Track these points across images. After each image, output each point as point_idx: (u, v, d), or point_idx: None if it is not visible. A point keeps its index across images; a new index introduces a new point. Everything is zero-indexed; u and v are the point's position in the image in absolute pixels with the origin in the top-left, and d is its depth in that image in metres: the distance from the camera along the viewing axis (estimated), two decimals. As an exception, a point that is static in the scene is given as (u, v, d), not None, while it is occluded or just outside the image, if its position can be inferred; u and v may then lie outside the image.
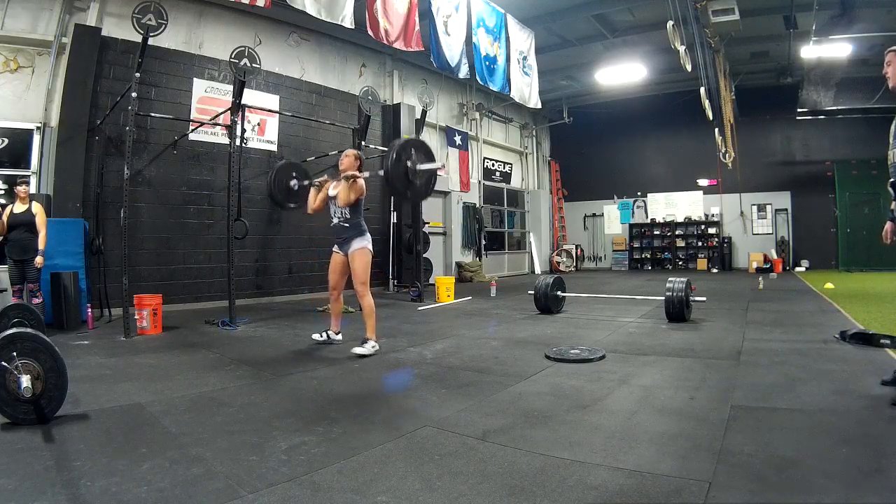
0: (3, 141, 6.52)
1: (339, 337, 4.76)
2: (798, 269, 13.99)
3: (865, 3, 8.90)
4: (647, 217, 16.44)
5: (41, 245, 5.33)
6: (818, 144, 14.36)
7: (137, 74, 5.43)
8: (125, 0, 6.86)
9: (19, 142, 6.58)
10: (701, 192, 15.66)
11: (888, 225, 3.11)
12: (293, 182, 5.16)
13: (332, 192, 4.51)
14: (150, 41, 5.52)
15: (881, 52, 3.11)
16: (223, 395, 3.18)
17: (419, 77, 11.68)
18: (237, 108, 6.15)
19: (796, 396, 2.93)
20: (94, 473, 2.04)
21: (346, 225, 4.39)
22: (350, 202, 4.33)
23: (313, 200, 4.71)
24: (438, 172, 4.28)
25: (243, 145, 7.13)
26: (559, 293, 6.70)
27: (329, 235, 4.64)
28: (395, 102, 10.90)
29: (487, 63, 8.59)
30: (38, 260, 5.31)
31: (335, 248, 4.53)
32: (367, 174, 4.39)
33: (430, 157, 4.07)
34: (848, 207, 13.48)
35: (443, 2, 7.58)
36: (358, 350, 4.24)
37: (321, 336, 4.72)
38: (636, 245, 16.50)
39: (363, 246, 4.38)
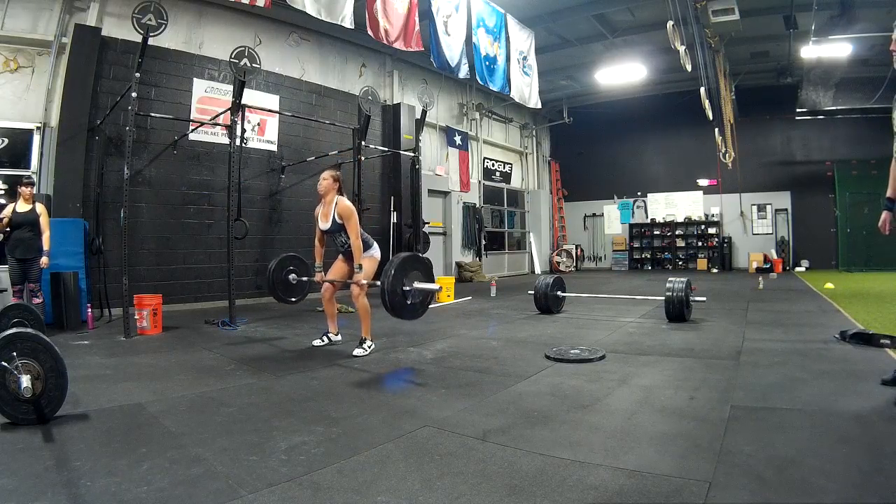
0: (3, 141, 6.53)
1: (339, 337, 4.76)
2: (798, 269, 14.00)
3: (865, 3, 8.90)
4: (647, 217, 16.44)
5: (46, 245, 5.34)
6: (818, 144, 14.37)
7: (137, 74, 5.43)
8: (125, 0, 6.87)
9: (19, 142, 6.58)
10: (701, 192, 15.67)
11: (885, 214, 3.10)
12: (292, 276, 5.17)
13: (323, 226, 4.39)
14: (150, 41, 5.52)
15: (881, 52, 3.13)
16: (223, 395, 3.18)
17: (419, 77, 11.68)
18: (237, 108, 6.15)
19: (796, 396, 2.93)
20: (94, 473, 2.04)
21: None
22: (356, 232, 4.25)
23: (317, 250, 4.63)
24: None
25: (243, 145, 7.14)
26: (559, 293, 6.69)
27: (332, 246, 4.58)
28: (395, 102, 10.91)
29: (487, 63, 8.59)
30: (44, 260, 5.31)
31: (341, 257, 4.51)
32: (366, 282, 4.25)
33: (428, 275, 3.92)
34: (848, 207, 13.48)
35: (443, 2, 7.58)
36: (357, 352, 4.26)
37: (321, 341, 4.71)
38: (636, 245, 16.51)
39: (370, 255, 4.36)
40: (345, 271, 4.49)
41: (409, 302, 3.75)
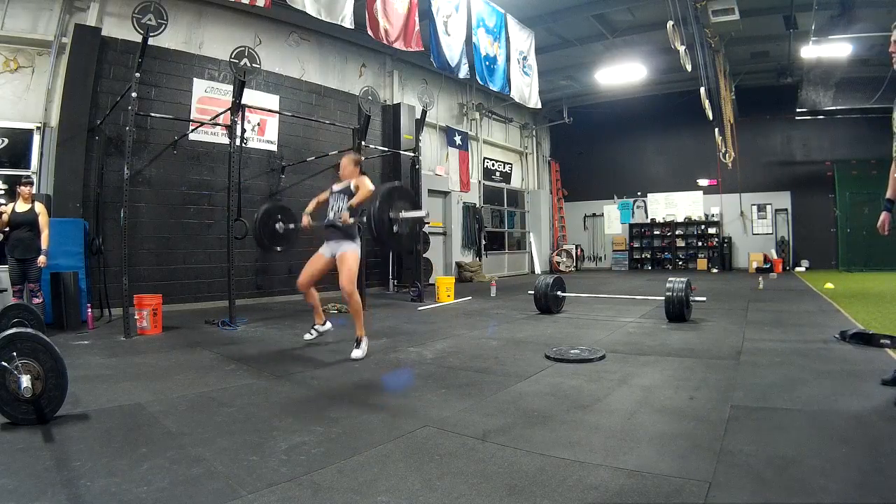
0: (3, 141, 6.52)
1: (328, 325, 4.80)
2: (798, 269, 14.00)
3: (865, 3, 8.90)
4: (647, 217, 16.44)
5: (44, 245, 5.33)
6: (818, 144, 14.37)
7: (137, 74, 5.43)
8: (125, 0, 6.87)
9: (19, 142, 6.58)
10: (701, 192, 15.66)
11: (883, 215, 3.12)
12: (278, 225, 5.11)
13: (336, 188, 4.49)
14: (150, 41, 5.52)
15: (881, 52, 3.14)
16: (223, 395, 3.18)
17: (419, 77, 11.68)
18: (237, 108, 6.15)
19: (796, 396, 2.93)
20: (94, 473, 2.04)
21: (339, 225, 4.30)
22: (353, 176, 4.35)
23: (310, 207, 4.69)
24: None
25: (243, 145, 7.13)
26: (559, 293, 6.69)
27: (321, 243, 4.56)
28: (395, 102, 10.91)
29: (487, 63, 8.59)
30: (42, 259, 5.31)
31: (322, 249, 4.48)
32: (355, 219, 4.27)
33: (415, 205, 3.94)
34: (848, 207, 13.48)
35: (443, 2, 7.58)
36: (354, 354, 4.19)
37: (311, 335, 4.76)
38: (636, 245, 16.50)
39: (354, 249, 4.34)
40: (323, 266, 4.47)
41: (395, 230, 3.72)
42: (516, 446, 2.30)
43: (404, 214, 3.73)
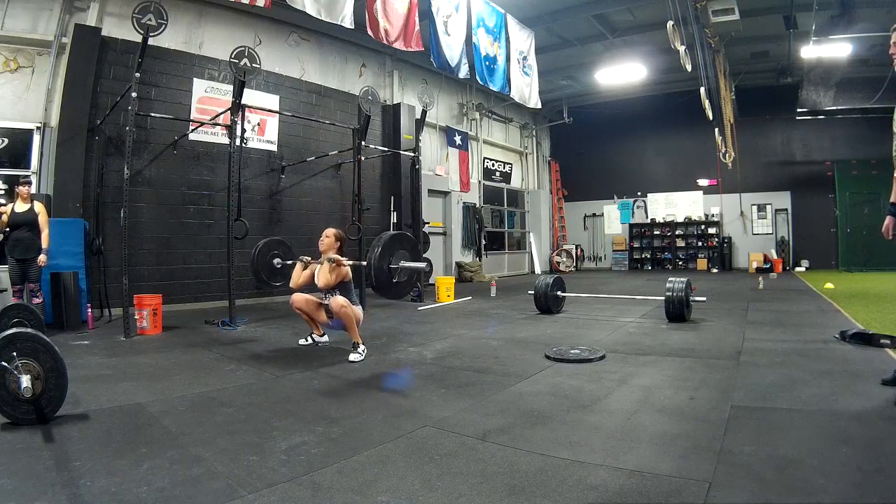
0: (3, 141, 6.53)
1: (325, 338, 4.78)
2: (798, 269, 14.00)
3: (865, 3, 8.90)
4: (647, 217, 16.44)
5: (44, 244, 5.34)
6: (818, 144, 14.38)
7: (137, 74, 5.43)
8: (125, 0, 6.87)
9: (19, 142, 6.58)
10: (701, 192, 15.67)
11: (888, 220, 3.11)
12: (276, 261, 5.08)
13: (319, 284, 4.31)
14: (150, 41, 5.51)
15: (881, 52, 3.12)
16: (223, 395, 3.19)
17: (419, 77, 11.68)
18: (237, 108, 6.14)
19: (796, 396, 2.93)
20: (94, 473, 2.04)
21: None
22: (330, 284, 4.16)
23: (297, 276, 4.51)
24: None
25: (243, 145, 7.13)
26: (559, 293, 6.69)
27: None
28: (395, 102, 10.91)
29: (487, 63, 8.59)
30: (42, 259, 5.31)
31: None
32: (350, 262, 4.19)
33: (416, 255, 3.87)
34: (848, 207, 13.48)
35: (443, 2, 7.58)
36: (353, 357, 4.16)
37: (306, 340, 4.77)
38: (636, 245, 16.51)
39: (352, 306, 4.23)
40: (325, 314, 4.47)
41: (395, 280, 3.70)
42: (516, 446, 2.30)
43: (404, 264, 3.70)
